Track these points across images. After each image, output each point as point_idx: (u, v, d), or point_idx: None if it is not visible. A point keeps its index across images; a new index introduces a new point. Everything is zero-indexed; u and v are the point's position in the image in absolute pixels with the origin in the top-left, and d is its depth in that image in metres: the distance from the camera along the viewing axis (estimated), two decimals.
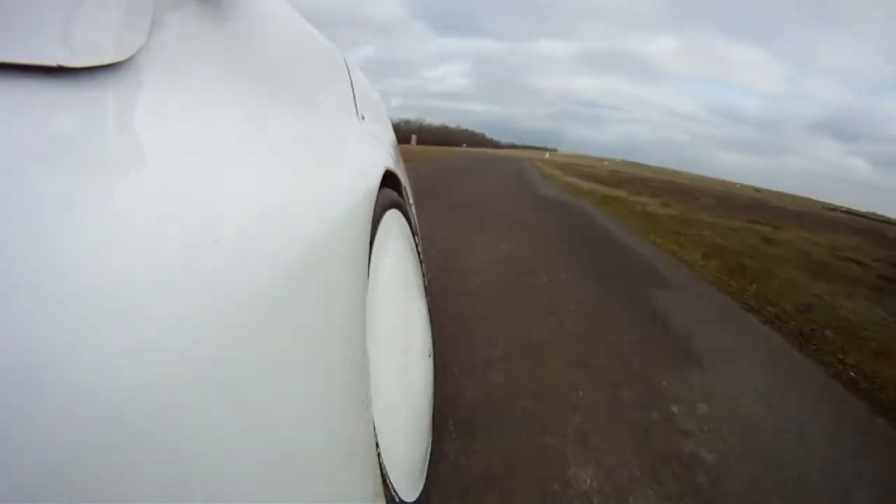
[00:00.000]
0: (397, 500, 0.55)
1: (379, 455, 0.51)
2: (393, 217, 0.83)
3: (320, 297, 0.40)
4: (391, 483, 0.54)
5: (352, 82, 0.95)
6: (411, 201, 1.23)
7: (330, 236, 0.45)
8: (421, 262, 1.12)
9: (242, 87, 0.42)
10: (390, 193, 0.84)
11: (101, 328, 0.20)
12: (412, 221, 1.11)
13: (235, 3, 0.44)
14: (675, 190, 14.86)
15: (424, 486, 0.74)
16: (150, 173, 0.26)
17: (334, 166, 0.59)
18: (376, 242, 0.64)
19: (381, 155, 0.88)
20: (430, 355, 0.99)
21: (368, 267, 0.56)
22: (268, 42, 0.54)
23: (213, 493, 0.24)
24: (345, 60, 0.98)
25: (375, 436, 0.50)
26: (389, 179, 0.84)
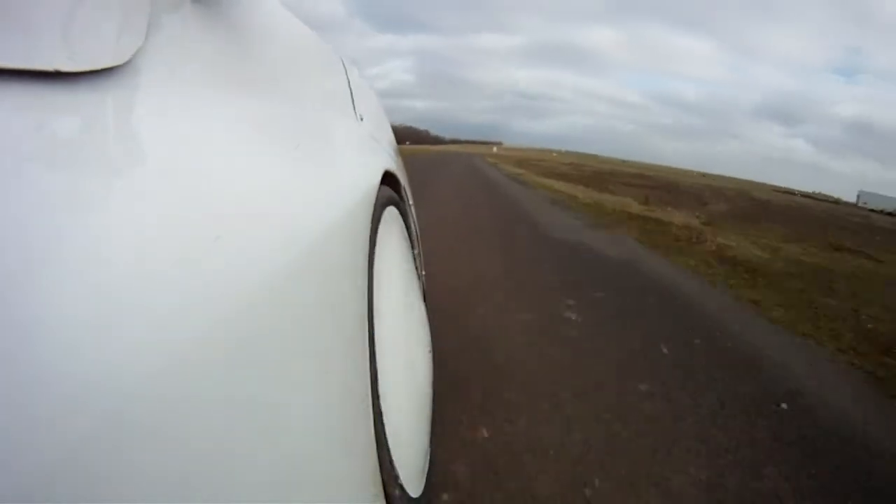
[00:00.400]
0: (407, 497, 0.55)
1: (390, 452, 0.51)
2: (392, 217, 0.83)
3: (321, 297, 0.40)
4: (402, 481, 0.54)
5: (349, 83, 0.95)
6: (411, 202, 1.23)
7: (331, 236, 0.45)
8: (418, 260, 1.13)
9: (241, 88, 0.42)
10: (390, 193, 0.84)
11: (102, 327, 0.20)
12: (411, 220, 1.11)
13: (232, 6, 0.45)
14: (668, 189, 13.13)
15: (427, 482, 0.74)
16: (149, 175, 0.26)
17: (334, 167, 0.59)
18: (377, 242, 0.64)
19: (380, 155, 0.88)
20: (429, 351, 1.00)
21: (371, 266, 0.57)
22: (265, 44, 0.54)
23: (213, 492, 0.24)
24: (342, 61, 0.98)
25: (386, 434, 0.50)
26: (389, 179, 0.85)
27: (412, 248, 1.06)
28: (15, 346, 0.17)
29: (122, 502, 0.19)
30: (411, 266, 0.99)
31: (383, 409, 0.53)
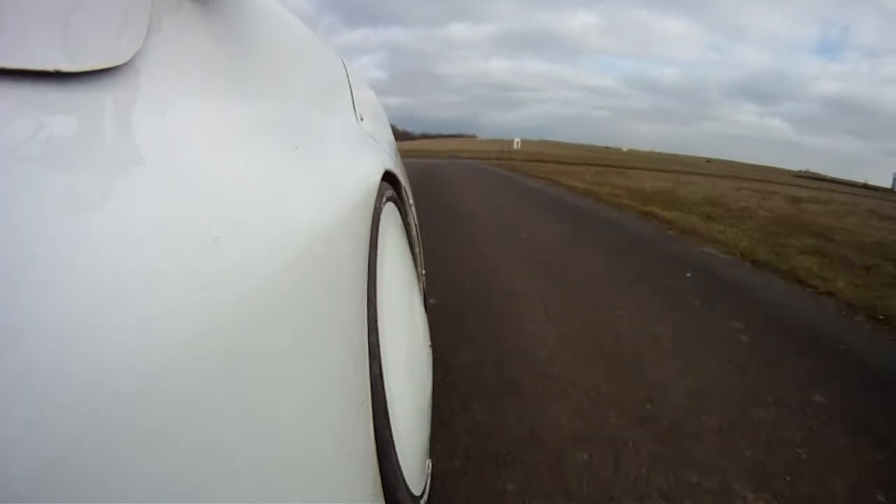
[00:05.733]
0: (410, 495, 0.55)
1: (391, 450, 0.51)
2: (393, 216, 0.83)
3: (320, 297, 0.40)
4: (405, 479, 0.54)
5: (350, 83, 0.95)
6: (411, 201, 1.23)
7: (331, 236, 0.45)
8: (418, 259, 1.13)
9: (240, 88, 0.43)
10: (390, 192, 0.84)
11: (102, 327, 0.20)
12: (411, 220, 1.11)
13: (232, 7, 0.45)
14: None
15: (428, 478, 0.74)
16: (148, 175, 0.26)
17: (334, 167, 0.59)
18: (378, 241, 0.65)
19: (379, 155, 0.88)
20: (429, 348, 1.00)
21: (371, 267, 0.57)
22: (265, 45, 0.54)
23: (212, 493, 0.24)
24: (343, 62, 0.98)
25: (387, 431, 0.50)
26: (389, 179, 0.85)
27: (412, 247, 1.06)
28: (13, 346, 0.17)
29: (120, 502, 0.19)
30: (412, 265, 1.00)
31: (384, 406, 0.54)
